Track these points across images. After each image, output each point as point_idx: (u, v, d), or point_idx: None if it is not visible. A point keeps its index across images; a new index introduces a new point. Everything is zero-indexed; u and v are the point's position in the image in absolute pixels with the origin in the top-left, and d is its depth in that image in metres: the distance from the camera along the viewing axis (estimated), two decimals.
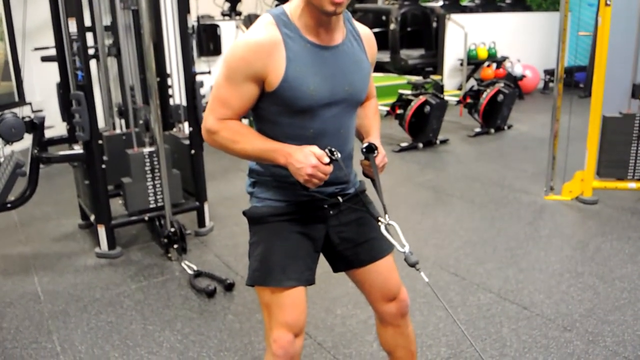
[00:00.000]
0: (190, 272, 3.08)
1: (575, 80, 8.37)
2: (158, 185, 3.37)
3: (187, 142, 3.58)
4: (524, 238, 3.59)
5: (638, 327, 2.56)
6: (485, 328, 2.59)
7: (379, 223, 1.53)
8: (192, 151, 3.54)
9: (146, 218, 3.41)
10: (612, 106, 3.98)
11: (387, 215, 1.52)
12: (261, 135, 1.51)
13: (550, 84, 9.13)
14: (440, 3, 8.85)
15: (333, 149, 1.43)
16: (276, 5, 9.73)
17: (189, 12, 3.30)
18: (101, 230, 3.27)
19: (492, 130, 6.40)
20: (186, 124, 3.63)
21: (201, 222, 3.68)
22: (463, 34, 7.99)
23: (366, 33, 1.62)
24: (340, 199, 1.62)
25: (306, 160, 1.40)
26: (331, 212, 1.63)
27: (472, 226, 3.81)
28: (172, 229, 3.19)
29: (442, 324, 2.62)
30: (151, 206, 3.40)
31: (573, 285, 2.95)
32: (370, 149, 1.56)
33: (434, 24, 8.48)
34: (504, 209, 4.10)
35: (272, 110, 1.50)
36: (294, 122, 1.50)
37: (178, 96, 3.75)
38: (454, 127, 6.63)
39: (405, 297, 1.74)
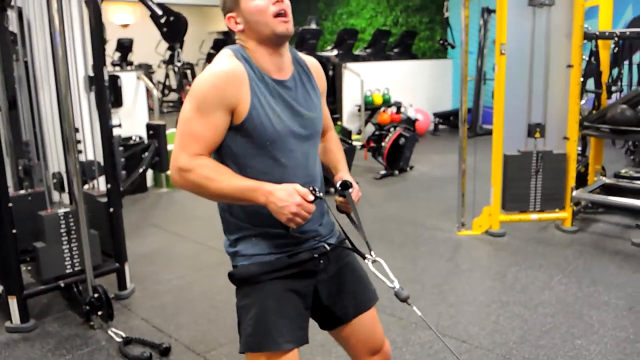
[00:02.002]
0: (118, 339, 2.85)
1: None
2: (75, 249, 3.12)
3: (104, 200, 3.37)
4: (447, 273, 3.73)
5: (568, 348, 2.73)
6: None
7: (366, 260, 1.50)
8: (111, 209, 3.34)
9: (62, 285, 3.13)
10: (511, 145, 4.31)
11: (372, 252, 1.50)
12: (237, 174, 1.45)
13: (440, 126, 9.75)
14: (335, 52, 9.24)
15: (316, 188, 1.42)
16: (170, 56, 9.65)
17: (105, 64, 3.17)
18: (12, 302, 2.95)
19: (397, 172, 6.67)
20: (101, 181, 3.43)
21: (122, 285, 3.45)
22: (359, 82, 8.38)
23: (313, 63, 1.66)
24: (327, 247, 1.59)
25: (290, 198, 1.37)
26: (321, 261, 1.58)
27: (397, 266, 3.90)
28: (96, 295, 2.96)
29: None
30: (67, 271, 3.14)
31: (502, 315, 3.10)
32: (346, 186, 1.56)
33: (330, 73, 8.82)
34: (422, 247, 4.25)
35: (239, 144, 1.48)
36: (262, 155, 1.48)
37: (91, 151, 3.54)
38: (359, 170, 6.83)
39: (388, 349, 1.73)
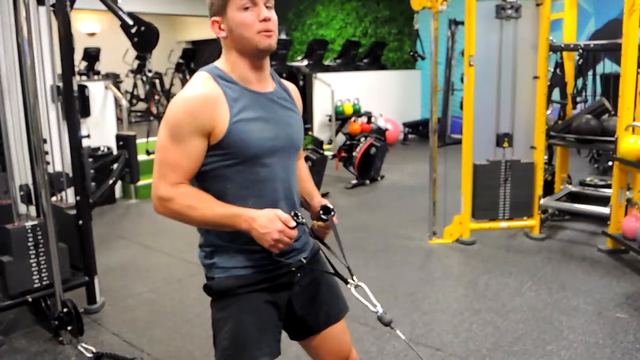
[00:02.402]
0: (88, 355, 2.79)
1: None
2: (43, 262, 3.04)
3: (72, 212, 3.31)
4: (420, 282, 3.76)
5: (539, 354, 2.77)
6: None
7: (348, 285, 1.51)
8: (80, 222, 3.27)
9: (30, 299, 3.04)
10: (480, 154, 4.38)
11: (354, 277, 1.51)
12: (219, 200, 1.45)
13: (410, 136, 9.87)
14: (305, 63, 9.28)
15: (298, 213, 1.42)
16: (138, 65, 9.57)
17: (74, 73, 3.11)
18: None
19: (368, 182, 6.72)
20: (70, 193, 3.36)
21: (91, 299, 3.37)
22: (330, 92, 8.43)
23: (293, 87, 1.68)
24: (304, 260, 1.59)
25: (272, 224, 1.37)
26: (298, 274, 1.59)
27: (370, 275, 3.92)
28: (65, 309, 2.89)
29: None
30: (35, 286, 3.05)
31: (474, 323, 3.14)
32: (328, 210, 1.56)
33: (301, 83, 8.85)
34: (395, 256, 4.27)
35: (219, 161, 1.46)
36: (242, 170, 1.47)
37: (59, 163, 3.47)
38: (331, 180, 6.85)
39: (355, 358, 1.74)
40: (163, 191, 1.42)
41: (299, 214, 1.43)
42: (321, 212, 1.56)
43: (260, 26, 1.43)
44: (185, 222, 1.45)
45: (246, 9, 1.42)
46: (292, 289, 1.60)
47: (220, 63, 1.51)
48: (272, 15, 1.46)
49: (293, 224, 1.39)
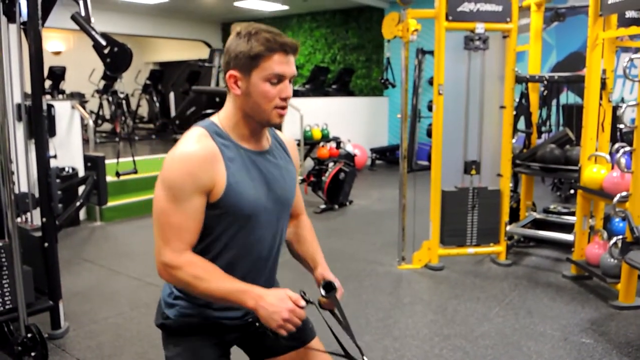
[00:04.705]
0: None
1: (397, 157, 9.26)
2: (6, 286, 2.94)
3: (38, 234, 3.22)
4: (390, 307, 3.78)
5: None
6: None
7: None
8: (46, 244, 3.18)
9: None
10: (449, 181, 4.46)
11: (364, 357, 1.47)
12: (226, 274, 1.41)
13: (377, 162, 9.98)
14: None
15: (304, 292, 1.39)
16: (104, 85, 9.43)
17: (44, 93, 3.06)
18: None
19: (336, 206, 6.75)
20: (35, 214, 3.28)
21: (55, 324, 3.27)
22: (299, 116, 8.47)
23: (289, 140, 1.67)
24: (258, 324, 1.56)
25: (282, 303, 1.33)
26: (257, 324, 1.56)
27: (341, 301, 3.90)
28: (29, 334, 2.79)
29: None
30: None
31: (444, 348, 3.16)
32: (330, 287, 1.49)
33: None
34: (365, 282, 4.28)
35: (210, 219, 1.43)
36: (236, 232, 1.46)
37: (25, 183, 3.38)
38: None
39: None
40: (169, 258, 1.38)
41: (305, 292, 1.39)
42: (323, 289, 1.49)
43: (279, 103, 1.42)
44: (189, 290, 1.43)
45: (272, 82, 1.40)
46: (250, 329, 1.62)
47: (219, 118, 1.48)
48: (291, 89, 1.45)
49: (303, 303, 1.35)
